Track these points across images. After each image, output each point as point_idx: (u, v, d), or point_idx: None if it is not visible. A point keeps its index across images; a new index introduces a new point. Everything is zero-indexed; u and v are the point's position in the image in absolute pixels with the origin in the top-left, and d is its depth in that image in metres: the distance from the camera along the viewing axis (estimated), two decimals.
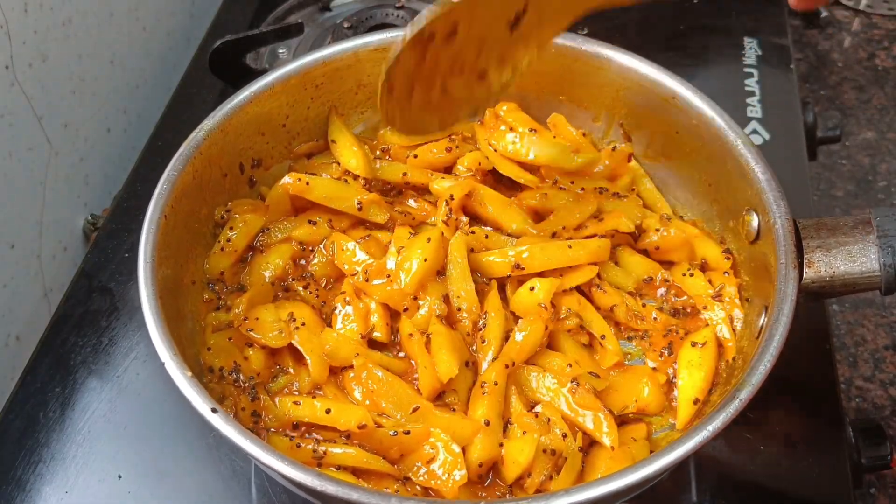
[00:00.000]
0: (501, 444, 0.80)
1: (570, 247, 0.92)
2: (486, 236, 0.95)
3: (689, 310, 0.93)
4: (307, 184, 0.95)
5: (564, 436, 0.80)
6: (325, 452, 0.78)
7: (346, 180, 1.00)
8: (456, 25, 0.72)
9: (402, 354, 0.88)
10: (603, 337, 0.89)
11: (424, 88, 0.76)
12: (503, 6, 0.72)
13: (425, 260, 0.88)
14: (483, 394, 0.81)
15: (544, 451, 0.79)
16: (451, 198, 0.96)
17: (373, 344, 0.89)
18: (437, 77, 0.76)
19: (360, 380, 0.84)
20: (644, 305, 0.93)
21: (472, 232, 0.95)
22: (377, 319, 0.89)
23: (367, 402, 0.83)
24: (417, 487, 0.78)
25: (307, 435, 0.82)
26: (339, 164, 1.03)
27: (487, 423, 0.79)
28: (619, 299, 0.92)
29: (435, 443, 0.78)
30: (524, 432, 0.80)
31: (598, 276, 0.94)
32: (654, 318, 0.91)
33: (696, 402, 0.83)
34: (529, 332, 0.86)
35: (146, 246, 0.81)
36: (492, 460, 0.79)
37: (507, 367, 0.83)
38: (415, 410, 0.81)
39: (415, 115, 0.79)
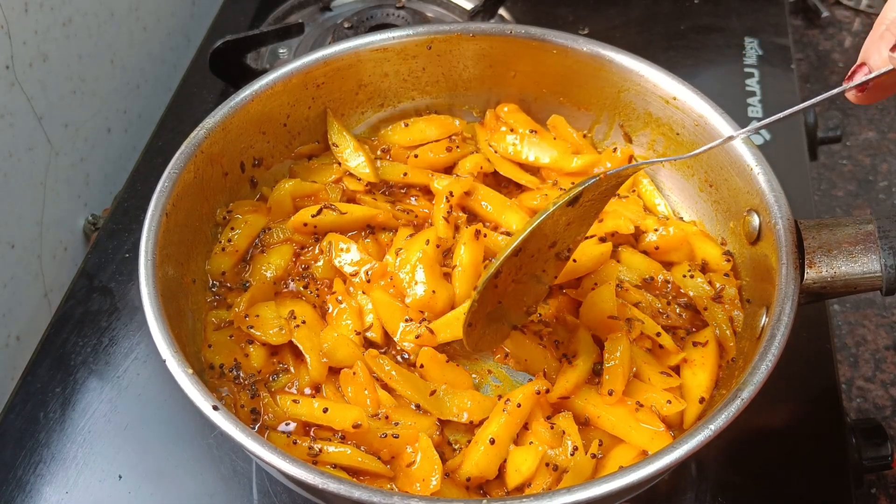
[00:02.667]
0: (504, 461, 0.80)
1: (574, 261, 0.91)
2: (485, 235, 0.95)
3: (689, 310, 0.93)
4: (315, 227, 0.96)
5: (575, 449, 0.80)
6: (320, 450, 0.79)
7: (343, 188, 1.00)
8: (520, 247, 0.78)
9: (399, 358, 0.89)
10: (658, 335, 0.88)
11: (500, 295, 0.81)
12: (562, 207, 0.78)
13: (423, 261, 0.88)
14: (503, 411, 0.81)
15: (547, 464, 0.79)
16: (451, 194, 0.96)
17: (368, 345, 0.89)
18: (511, 277, 0.81)
19: (380, 370, 0.85)
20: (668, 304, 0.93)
21: (485, 236, 0.94)
22: (373, 319, 0.89)
23: (368, 401, 0.84)
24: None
25: (305, 433, 0.82)
26: (339, 164, 1.03)
27: (493, 442, 0.79)
28: (642, 296, 0.92)
29: (417, 448, 0.79)
30: (531, 442, 0.80)
31: None
32: (679, 315, 0.91)
33: (701, 400, 0.83)
34: (621, 352, 0.84)
35: (147, 244, 0.81)
36: (483, 478, 0.79)
37: (537, 392, 0.82)
38: (432, 394, 0.83)
39: (494, 325, 0.84)
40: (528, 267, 0.81)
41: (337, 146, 1.03)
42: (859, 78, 0.70)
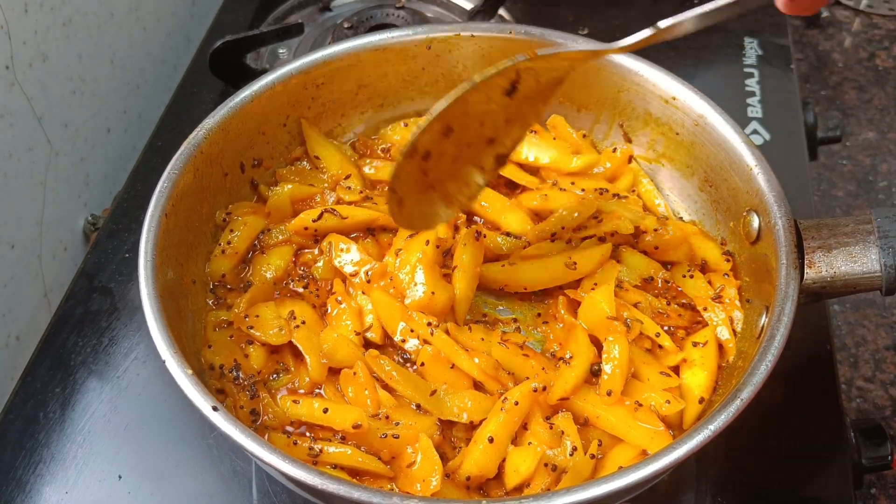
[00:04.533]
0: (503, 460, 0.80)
1: (574, 265, 0.91)
2: (485, 236, 0.95)
3: (689, 310, 0.93)
4: (315, 230, 0.95)
5: (574, 449, 0.80)
6: (320, 451, 0.79)
7: (339, 197, 0.99)
8: (449, 124, 0.77)
9: (397, 359, 0.89)
10: (657, 335, 0.88)
11: (433, 181, 0.81)
12: (495, 86, 0.77)
13: (422, 262, 0.88)
14: (501, 410, 0.81)
15: (546, 464, 0.79)
16: None
17: (368, 345, 0.89)
18: (445, 161, 0.80)
19: (381, 370, 0.85)
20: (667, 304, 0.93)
21: (484, 236, 0.94)
22: (372, 320, 0.89)
23: (368, 401, 0.84)
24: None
25: (305, 433, 0.82)
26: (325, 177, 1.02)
27: (491, 441, 0.79)
28: (642, 296, 0.92)
29: (417, 448, 0.79)
30: (530, 443, 0.80)
31: None
32: (679, 315, 0.91)
33: (701, 400, 0.83)
34: (619, 353, 0.84)
35: (147, 244, 0.81)
36: (482, 477, 0.79)
37: (534, 390, 0.82)
38: (433, 394, 0.83)
39: (425, 208, 0.84)
40: (465, 156, 0.80)
41: (319, 158, 1.03)
42: None
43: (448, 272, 0.92)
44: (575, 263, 0.91)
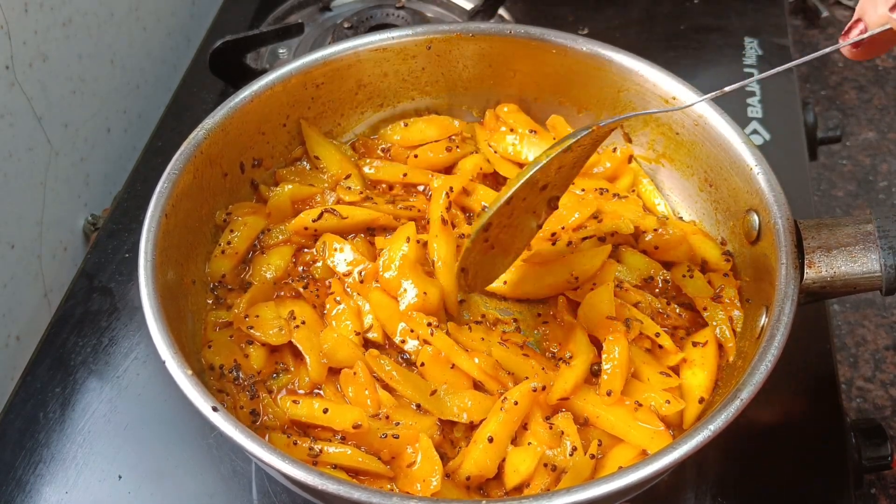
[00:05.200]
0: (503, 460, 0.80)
1: (575, 279, 0.92)
2: (454, 226, 0.95)
3: (689, 310, 0.93)
4: (315, 230, 0.96)
5: (574, 449, 0.80)
6: (320, 451, 0.79)
7: (339, 198, 1.00)
8: (512, 196, 0.80)
9: (397, 359, 0.89)
10: (657, 335, 0.88)
11: (493, 242, 0.84)
12: (533, 188, 0.81)
13: (405, 265, 0.89)
14: (501, 410, 0.81)
15: (546, 465, 0.79)
16: (451, 190, 0.96)
17: (368, 345, 0.89)
18: (504, 226, 0.83)
19: (381, 370, 0.85)
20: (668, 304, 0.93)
21: (445, 220, 0.94)
22: (372, 320, 0.89)
23: (369, 401, 0.84)
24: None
25: (304, 433, 0.82)
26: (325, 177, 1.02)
27: (491, 440, 0.79)
28: (642, 296, 0.92)
29: (417, 448, 0.79)
30: (529, 443, 0.80)
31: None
32: (679, 315, 0.91)
33: (701, 400, 0.83)
34: (619, 353, 0.84)
35: (147, 245, 0.81)
36: (482, 477, 0.79)
37: (533, 390, 0.82)
38: (433, 394, 0.83)
39: (488, 268, 0.88)
40: (520, 210, 0.82)
41: (319, 158, 1.03)
42: (854, 35, 0.70)
43: (430, 269, 0.92)
44: (577, 278, 0.91)
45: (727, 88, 0.77)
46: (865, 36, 0.69)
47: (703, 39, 1.38)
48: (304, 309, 0.90)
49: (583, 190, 1.01)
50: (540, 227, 0.88)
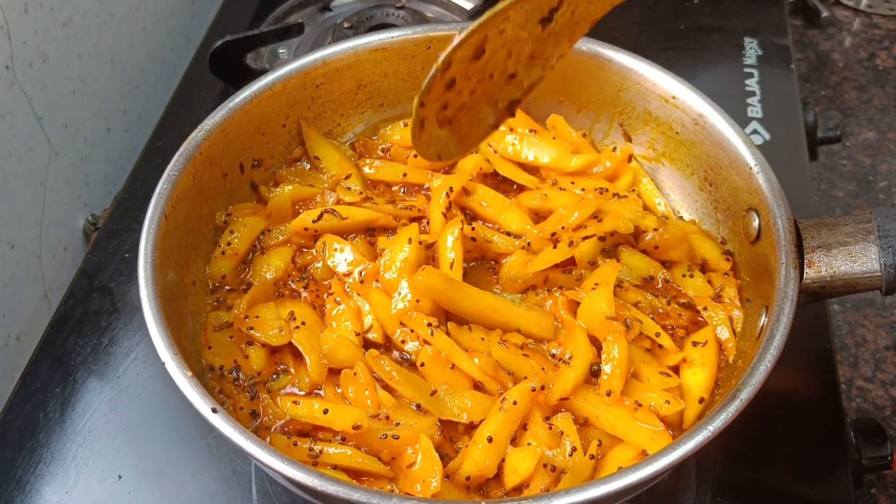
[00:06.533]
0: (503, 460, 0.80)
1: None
2: (473, 228, 0.94)
3: (689, 310, 0.93)
4: (315, 231, 0.95)
5: (574, 449, 0.80)
6: (320, 452, 0.79)
7: (339, 198, 0.99)
8: (484, 43, 0.74)
9: (399, 358, 0.89)
10: (657, 335, 0.88)
11: (451, 115, 0.78)
12: (536, 8, 0.73)
13: (406, 268, 0.89)
14: (500, 410, 0.81)
15: (545, 465, 0.79)
16: (451, 190, 0.96)
17: (368, 345, 0.89)
18: (466, 92, 0.78)
19: (381, 370, 0.85)
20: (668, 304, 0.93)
21: (473, 228, 0.94)
22: (372, 321, 0.89)
23: (369, 402, 0.84)
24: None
25: (303, 435, 0.82)
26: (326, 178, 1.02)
27: (490, 440, 0.79)
28: (642, 296, 0.92)
29: (417, 449, 0.79)
30: (529, 443, 0.80)
31: None
32: (679, 315, 0.91)
33: (701, 400, 0.83)
34: (619, 353, 0.84)
35: (146, 246, 0.81)
36: (482, 477, 0.79)
37: (532, 390, 0.82)
38: (433, 394, 0.83)
39: (441, 140, 0.81)
40: (484, 89, 0.78)
41: (319, 159, 1.03)
42: None
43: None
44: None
45: None
46: None
47: (703, 39, 1.38)
48: (304, 309, 0.90)
49: (583, 189, 1.01)
50: (495, 127, 0.84)
